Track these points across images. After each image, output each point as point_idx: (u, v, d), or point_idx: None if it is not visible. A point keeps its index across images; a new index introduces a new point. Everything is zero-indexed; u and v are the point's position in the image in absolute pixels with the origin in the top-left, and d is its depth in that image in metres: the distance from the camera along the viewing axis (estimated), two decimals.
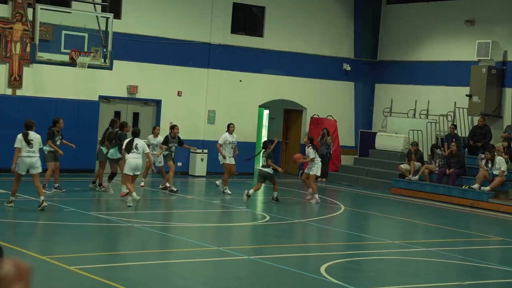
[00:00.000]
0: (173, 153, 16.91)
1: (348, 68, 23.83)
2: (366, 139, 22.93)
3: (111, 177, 15.64)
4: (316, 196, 16.66)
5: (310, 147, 16.63)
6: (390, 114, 23.11)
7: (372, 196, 19.58)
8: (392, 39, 23.65)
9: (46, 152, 15.16)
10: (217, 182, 17.46)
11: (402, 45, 23.36)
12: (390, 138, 21.99)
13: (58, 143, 15.38)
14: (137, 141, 14.42)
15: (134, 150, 14.23)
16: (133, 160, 14.20)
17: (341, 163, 22.83)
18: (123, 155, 14.50)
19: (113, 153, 15.50)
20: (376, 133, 22.70)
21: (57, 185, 15.48)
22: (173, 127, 17.01)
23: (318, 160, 16.61)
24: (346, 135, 23.71)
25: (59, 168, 15.49)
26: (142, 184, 17.46)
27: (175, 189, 16.64)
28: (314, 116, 23.18)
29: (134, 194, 14.04)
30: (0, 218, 11.85)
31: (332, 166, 22.51)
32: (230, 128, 17.42)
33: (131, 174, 14.20)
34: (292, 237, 13.10)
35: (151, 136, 17.54)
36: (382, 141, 22.13)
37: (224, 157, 17.14)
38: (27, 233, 11.63)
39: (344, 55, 23.83)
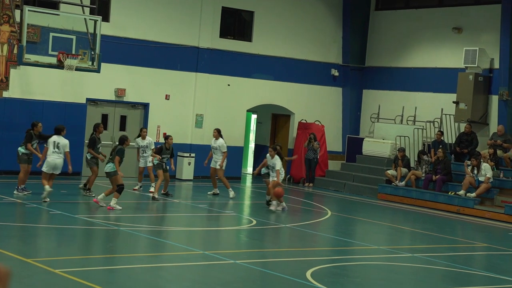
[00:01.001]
0: (165, 164, 16.34)
1: (336, 74, 23.91)
2: (353, 145, 23.00)
3: (120, 190, 14.27)
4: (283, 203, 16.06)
5: (276, 157, 16.15)
6: (377, 120, 23.20)
7: (359, 201, 19.63)
8: (380, 45, 23.76)
9: (20, 154, 15.15)
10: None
11: (390, 51, 23.47)
12: (377, 144, 22.07)
13: (34, 146, 15.28)
14: (58, 139, 14.43)
15: (55, 149, 14.31)
16: (53, 160, 14.31)
17: (328, 168, 22.88)
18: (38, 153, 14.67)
19: (109, 166, 14.32)
20: (363, 138, 22.77)
21: (23, 186, 15.24)
22: (167, 138, 16.57)
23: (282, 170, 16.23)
24: (334, 141, 23.77)
25: (29, 171, 15.31)
26: (137, 188, 17.47)
27: (157, 196, 16.21)
28: (302, 121, 23.22)
29: (47, 187, 14.36)
30: None
31: (319, 171, 22.55)
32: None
33: (50, 172, 14.42)
34: (278, 241, 13.10)
35: (139, 139, 17.49)
36: (369, 147, 22.20)
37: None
38: (12, 236, 11.54)
39: (332, 61, 23.91)
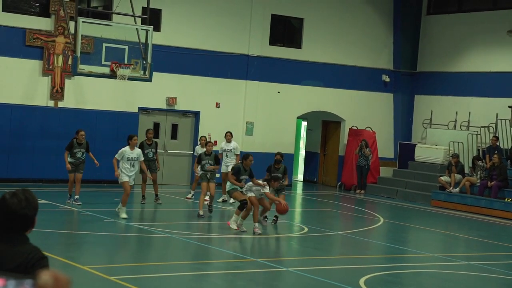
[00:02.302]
0: (209, 173, 14.94)
1: (387, 79, 23.66)
2: (405, 151, 22.70)
3: (242, 207, 13.23)
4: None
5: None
6: (430, 126, 22.84)
7: (412, 208, 19.34)
8: (432, 50, 23.41)
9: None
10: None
11: (442, 56, 23.10)
12: (430, 150, 21.72)
13: (78, 155, 15.07)
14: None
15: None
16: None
17: (380, 175, 22.62)
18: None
19: (228, 185, 13.79)
20: (415, 144, 22.45)
21: (76, 196, 15.15)
22: (206, 144, 15.69)
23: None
24: (385, 147, 23.50)
25: (80, 179, 15.10)
26: (189, 196, 17.44)
27: (201, 213, 14.74)
28: (353, 127, 23.04)
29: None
30: (42, 228, 12.02)
31: (371, 178, 22.32)
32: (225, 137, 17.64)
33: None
34: (330, 249, 13.00)
35: (198, 147, 17.44)
36: (422, 153, 21.87)
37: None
38: (67, 243, 11.77)
39: (383, 66, 23.67)
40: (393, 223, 16.45)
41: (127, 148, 14.16)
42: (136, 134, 19.42)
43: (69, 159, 15.10)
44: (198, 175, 15.68)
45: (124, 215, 13.72)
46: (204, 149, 15.71)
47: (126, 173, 13.99)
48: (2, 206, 3.37)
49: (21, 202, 3.37)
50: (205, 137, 17.69)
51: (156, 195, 16.18)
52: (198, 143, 17.68)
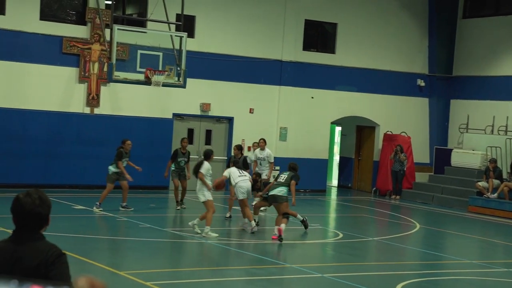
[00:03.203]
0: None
1: (422, 84, 23.42)
2: (441, 156, 22.42)
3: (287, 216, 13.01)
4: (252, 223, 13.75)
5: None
6: (466, 131, 22.53)
7: (448, 214, 19.07)
8: (468, 54, 23.10)
9: (110, 173, 15.10)
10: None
11: (479, 59, 22.78)
12: (466, 155, 21.42)
13: (125, 164, 15.18)
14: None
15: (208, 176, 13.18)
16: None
17: (415, 180, 22.37)
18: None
19: (282, 190, 13.24)
20: (451, 149, 22.16)
21: (125, 204, 15.34)
22: (234, 148, 15.77)
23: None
24: (421, 152, 23.23)
25: (127, 187, 15.22)
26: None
27: (228, 215, 15.29)
28: (388, 132, 22.84)
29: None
30: (78, 234, 12.15)
31: (406, 184, 22.09)
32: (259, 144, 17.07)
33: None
34: (366, 255, 12.88)
35: (258, 150, 17.28)
36: (458, 158, 21.58)
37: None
38: (104, 248, 11.87)
39: (418, 71, 23.44)
40: (430, 229, 16.23)
41: (206, 163, 13.18)
42: (171, 140, 19.61)
43: (115, 170, 15.06)
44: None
45: (214, 234, 12.82)
46: (254, 152, 16.19)
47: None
48: (16, 206, 3.45)
49: (35, 201, 3.44)
50: (257, 143, 17.14)
51: (181, 200, 16.17)
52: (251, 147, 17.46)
